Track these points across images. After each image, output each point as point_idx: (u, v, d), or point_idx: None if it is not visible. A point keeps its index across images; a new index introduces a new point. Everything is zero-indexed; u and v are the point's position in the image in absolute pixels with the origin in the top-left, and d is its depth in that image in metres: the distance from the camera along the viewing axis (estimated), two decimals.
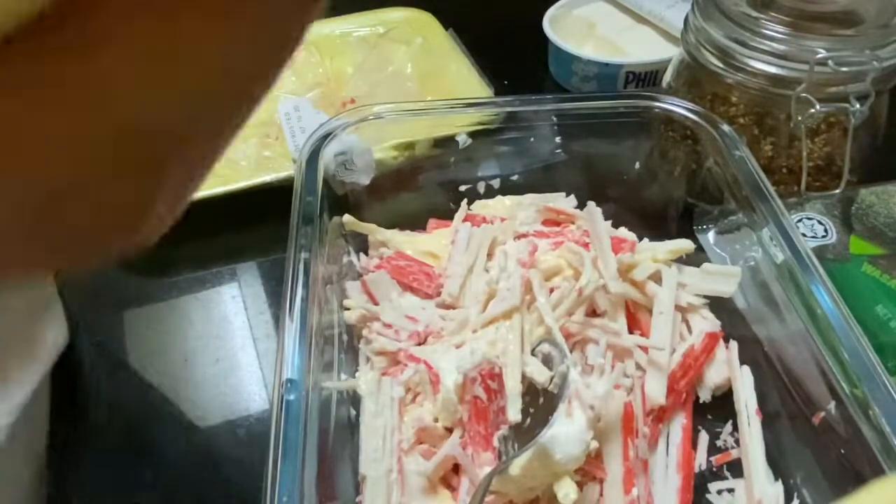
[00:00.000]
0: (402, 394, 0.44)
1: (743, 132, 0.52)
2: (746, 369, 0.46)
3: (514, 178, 0.57)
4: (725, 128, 0.50)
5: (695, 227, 0.54)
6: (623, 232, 0.52)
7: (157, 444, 0.47)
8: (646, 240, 0.52)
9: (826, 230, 0.51)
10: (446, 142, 0.54)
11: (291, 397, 0.36)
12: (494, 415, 0.41)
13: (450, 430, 0.42)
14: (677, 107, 0.52)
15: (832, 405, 0.39)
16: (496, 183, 0.57)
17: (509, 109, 0.52)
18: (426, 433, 0.42)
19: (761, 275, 0.46)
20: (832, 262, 0.48)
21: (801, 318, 0.41)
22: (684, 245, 0.50)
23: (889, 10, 0.52)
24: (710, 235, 0.53)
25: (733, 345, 0.47)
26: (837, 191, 0.53)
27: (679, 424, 0.45)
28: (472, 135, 0.54)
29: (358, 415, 0.44)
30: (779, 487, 0.42)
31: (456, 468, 0.41)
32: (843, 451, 0.38)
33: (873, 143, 0.55)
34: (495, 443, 0.40)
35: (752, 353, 0.46)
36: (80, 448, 0.46)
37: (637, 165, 0.56)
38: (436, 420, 0.42)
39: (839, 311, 0.40)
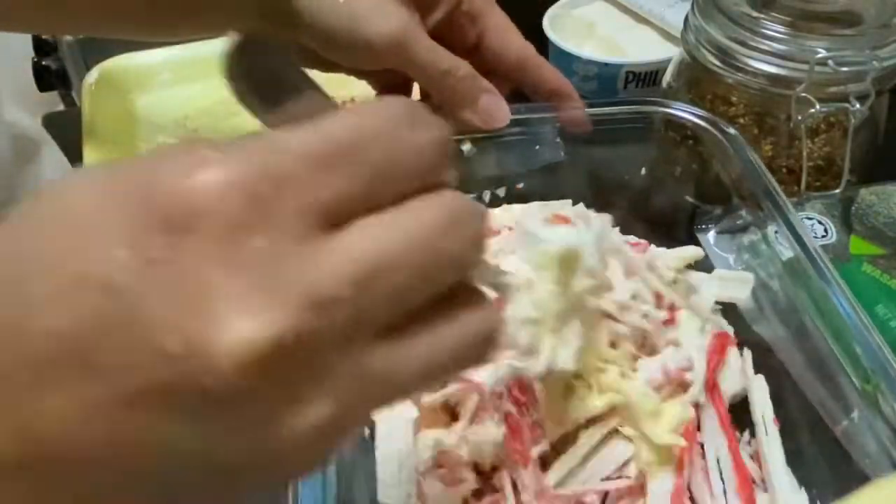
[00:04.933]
0: (415, 414, 0.42)
1: (743, 132, 0.52)
2: (761, 378, 0.45)
3: (520, 185, 0.56)
4: (732, 131, 0.49)
5: (695, 227, 0.54)
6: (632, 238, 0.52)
7: None
8: (652, 246, 0.52)
9: (826, 230, 0.51)
10: None
11: None
12: (530, 429, 0.40)
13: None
14: (684, 112, 0.51)
15: (848, 407, 0.38)
16: (501, 192, 0.56)
17: (514, 117, 0.51)
18: (446, 457, 0.40)
19: (765, 274, 0.46)
20: (832, 262, 0.48)
21: (811, 315, 0.41)
22: (694, 252, 0.49)
23: (889, 10, 0.52)
24: (711, 235, 0.53)
25: (747, 353, 0.46)
26: (837, 191, 0.53)
27: (720, 445, 0.42)
28: (475, 143, 0.53)
29: (373, 433, 0.42)
30: (804, 496, 0.40)
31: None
32: (863, 457, 0.37)
33: (873, 143, 0.55)
34: (534, 454, 0.39)
35: (755, 354, 0.46)
36: None
37: (643, 171, 0.56)
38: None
39: (852, 308, 0.39)
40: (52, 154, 0.60)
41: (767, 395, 0.44)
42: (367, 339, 0.19)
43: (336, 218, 0.19)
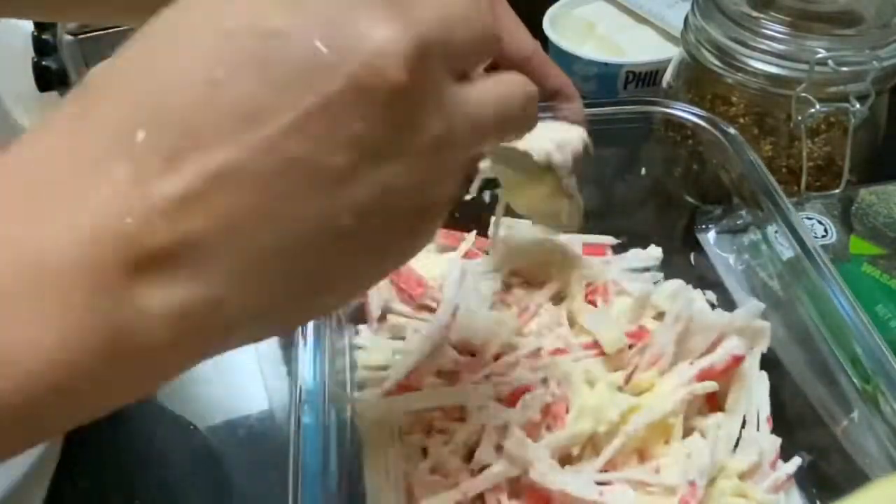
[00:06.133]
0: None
1: (743, 132, 0.52)
2: (763, 374, 0.44)
3: None
4: (732, 131, 0.49)
5: (695, 227, 0.54)
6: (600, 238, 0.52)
7: (157, 444, 0.47)
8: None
9: (826, 230, 0.51)
10: None
11: (308, 420, 0.35)
12: None
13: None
14: (684, 112, 0.51)
15: (848, 407, 0.38)
16: (501, 192, 0.56)
17: None
18: (440, 461, 0.40)
19: (765, 274, 0.46)
20: (832, 262, 0.48)
21: (811, 315, 0.41)
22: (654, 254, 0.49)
23: (889, 9, 0.52)
24: (711, 235, 0.53)
25: (756, 352, 0.45)
26: (837, 191, 0.53)
27: None
28: None
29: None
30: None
31: None
32: (864, 456, 0.37)
33: (873, 143, 0.56)
34: None
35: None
36: (80, 448, 0.46)
37: (643, 171, 0.56)
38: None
39: (852, 308, 0.39)
40: None
41: (767, 393, 0.44)
42: (456, 76, 0.23)
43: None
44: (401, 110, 0.21)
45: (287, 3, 0.20)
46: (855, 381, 0.37)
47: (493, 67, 0.50)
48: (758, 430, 0.43)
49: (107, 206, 0.18)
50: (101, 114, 0.19)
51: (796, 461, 0.41)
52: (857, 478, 0.37)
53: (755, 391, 0.44)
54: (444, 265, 0.49)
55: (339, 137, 0.20)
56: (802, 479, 0.41)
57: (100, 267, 0.18)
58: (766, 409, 0.43)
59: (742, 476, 0.40)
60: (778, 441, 0.41)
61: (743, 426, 0.44)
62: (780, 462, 0.41)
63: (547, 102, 0.53)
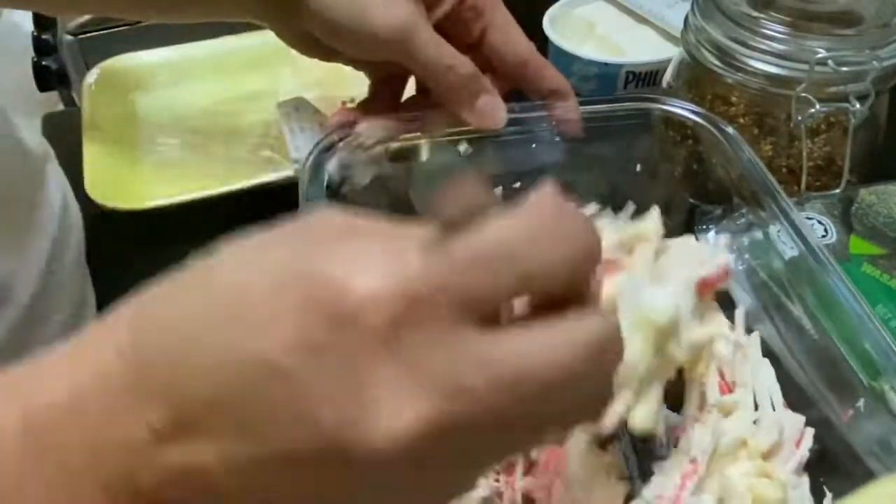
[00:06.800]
0: None
1: (743, 132, 0.52)
2: (766, 362, 0.43)
3: (517, 185, 0.56)
4: (730, 130, 0.49)
5: (695, 227, 0.54)
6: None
7: None
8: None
9: (826, 230, 0.51)
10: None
11: None
12: None
13: None
14: (681, 109, 0.51)
15: (855, 404, 0.38)
16: (498, 191, 0.56)
17: (512, 116, 0.50)
18: None
19: (766, 274, 0.46)
20: None
21: (817, 313, 0.41)
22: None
23: (889, 9, 0.52)
24: (711, 235, 0.53)
25: (755, 336, 0.44)
26: (837, 191, 0.53)
27: None
28: (472, 142, 0.53)
29: None
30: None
31: None
32: (869, 454, 0.37)
33: (873, 143, 0.56)
34: None
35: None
36: None
37: (643, 170, 0.56)
38: None
39: (858, 304, 0.39)
40: (54, 171, 0.60)
41: (774, 379, 0.43)
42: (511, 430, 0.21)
43: (489, 313, 0.21)
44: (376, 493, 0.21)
45: (309, 347, 0.20)
46: (862, 377, 0.37)
47: (491, 68, 0.50)
48: (773, 410, 0.41)
49: (119, 459, 0.21)
50: (137, 383, 0.21)
51: (809, 433, 0.40)
52: (864, 476, 0.37)
53: (762, 374, 0.43)
54: None
55: (301, 491, 0.21)
56: (831, 483, 0.41)
57: None
58: (778, 393, 0.42)
59: (764, 456, 0.39)
60: (802, 419, 0.40)
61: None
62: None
63: (543, 102, 0.53)
